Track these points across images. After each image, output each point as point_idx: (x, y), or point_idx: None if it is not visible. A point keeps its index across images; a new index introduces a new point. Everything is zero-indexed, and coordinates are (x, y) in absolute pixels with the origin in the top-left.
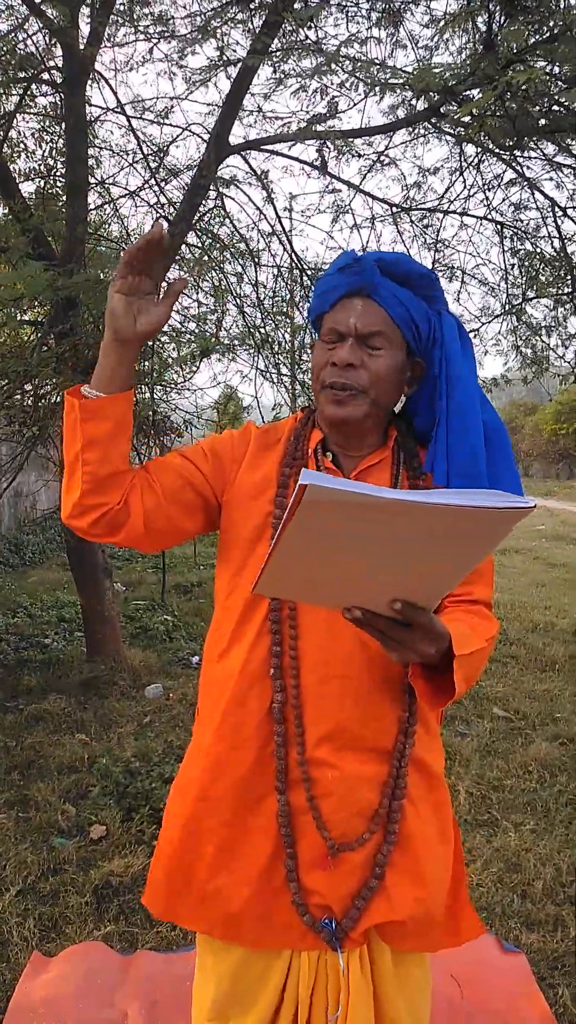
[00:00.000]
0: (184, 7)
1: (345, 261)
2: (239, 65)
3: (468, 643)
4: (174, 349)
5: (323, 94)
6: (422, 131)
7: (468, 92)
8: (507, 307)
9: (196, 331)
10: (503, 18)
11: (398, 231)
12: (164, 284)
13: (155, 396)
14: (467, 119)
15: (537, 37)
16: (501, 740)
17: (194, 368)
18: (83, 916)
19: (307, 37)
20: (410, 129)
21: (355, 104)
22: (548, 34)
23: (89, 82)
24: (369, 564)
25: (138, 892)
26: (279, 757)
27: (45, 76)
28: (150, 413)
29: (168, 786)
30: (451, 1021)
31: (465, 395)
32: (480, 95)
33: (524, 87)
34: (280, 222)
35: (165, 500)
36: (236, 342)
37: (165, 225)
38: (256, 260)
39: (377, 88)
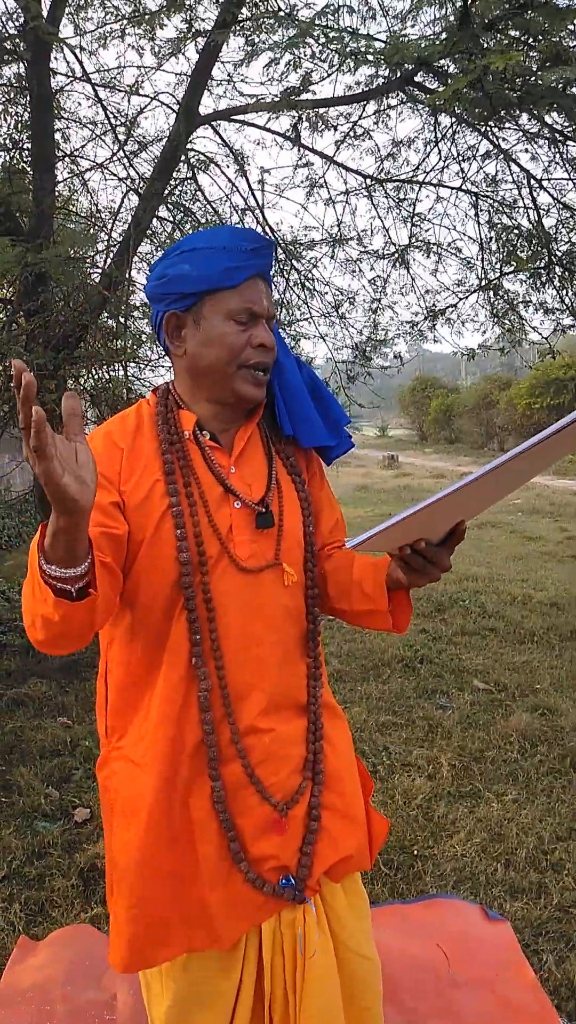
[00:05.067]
0: None
1: (253, 242)
2: (207, 37)
3: None
4: (147, 325)
5: (296, 66)
6: (395, 101)
7: (442, 63)
8: (483, 281)
9: None
10: None
11: (372, 204)
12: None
13: (128, 374)
14: (440, 93)
15: (507, 8)
16: (482, 712)
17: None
18: (69, 899)
19: (280, 8)
20: (382, 99)
21: (328, 75)
22: (520, 4)
23: (53, 51)
24: (467, 511)
25: None
26: (210, 745)
27: (7, 45)
28: (124, 391)
29: None
30: (438, 991)
31: (286, 357)
32: (457, 76)
33: (502, 71)
34: (253, 195)
35: (114, 589)
36: None
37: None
38: None
39: (351, 60)
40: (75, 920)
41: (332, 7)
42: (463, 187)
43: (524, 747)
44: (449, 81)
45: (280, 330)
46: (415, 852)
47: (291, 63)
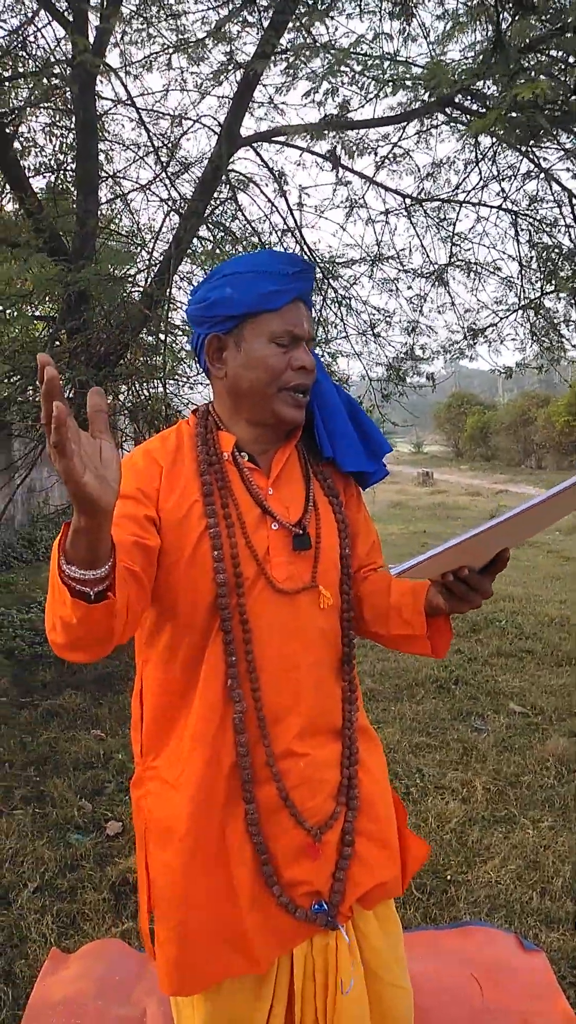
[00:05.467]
0: (193, 13)
1: (294, 266)
2: (246, 68)
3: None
4: (186, 342)
5: (334, 95)
6: (435, 122)
7: (480, 85)
8: (523, 300)
9: None
10: (513, 16)
11: (411, 223)
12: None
13: (167, 391)
14: (473, 126)
15: (545, 29)
16: (518, 736)
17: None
18: (101, 913)
19: (314, 40)
20: (422, 120)
21: (368, 101)
22: (558, 26)
23: (99, 76)
24: (516, 538)
25: None
26: (243, 767)
27: (57, 70)
28: (163, 408)
29: None
30: (471, 1019)
31: (326, 380)
32: (494, 99)
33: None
34: (292, 215)
35: (141, 600)
36: None
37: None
38: None
39: (388, 86)
40: (106, 934)
41: (371, 33)
42: (503, 206)
43: (561, 772)
44: (488, 103)
45: (316, 349)
46: (448, 877)
47: (329, 91)
